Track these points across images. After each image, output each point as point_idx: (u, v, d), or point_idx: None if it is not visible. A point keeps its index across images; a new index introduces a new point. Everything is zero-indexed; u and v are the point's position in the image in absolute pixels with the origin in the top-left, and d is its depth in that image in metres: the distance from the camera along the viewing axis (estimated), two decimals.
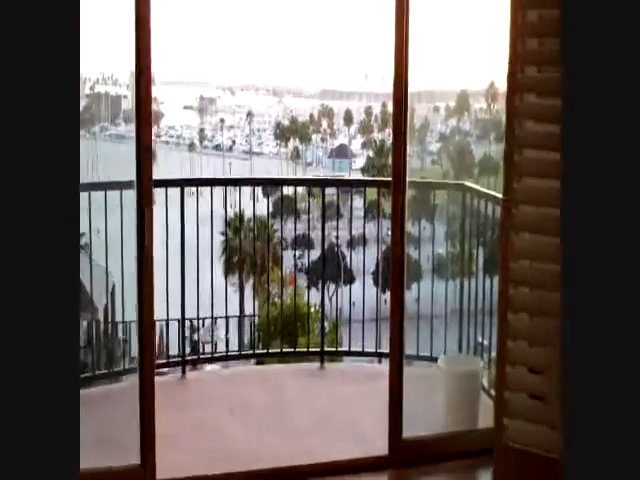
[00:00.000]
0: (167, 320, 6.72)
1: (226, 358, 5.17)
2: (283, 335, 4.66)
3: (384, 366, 3.84)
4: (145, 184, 2.83)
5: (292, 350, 4.51)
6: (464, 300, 4.16)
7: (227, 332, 6.00)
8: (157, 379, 3.06)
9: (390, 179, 3.04)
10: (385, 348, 3.95)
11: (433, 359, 3.84)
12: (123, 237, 3.88)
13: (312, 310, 5.50)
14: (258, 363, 5.53)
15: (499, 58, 2.62)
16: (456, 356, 3.99)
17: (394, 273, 3.03)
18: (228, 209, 5.17)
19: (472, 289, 4.11)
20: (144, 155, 2.86)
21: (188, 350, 13.29)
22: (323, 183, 4.85)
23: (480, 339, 3.94)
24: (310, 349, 4.49)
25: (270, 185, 7.13)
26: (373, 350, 4.51)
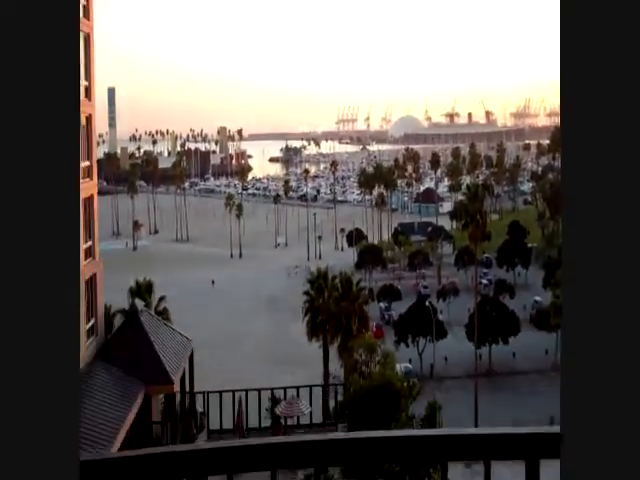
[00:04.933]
0: (247, 390, 6.21)
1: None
2: (372, 420, 3.16)
3: None
4: None
5: None
6: None
7: (310, 404, 5.47)
8: None
9: None
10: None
11: None
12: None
13: (404, 385, 4.69)
14: None
15: None
16: None
17: None
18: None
19: None
20: None
21: (268, 423, 12.83)
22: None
23: None
24: None
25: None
26: None
